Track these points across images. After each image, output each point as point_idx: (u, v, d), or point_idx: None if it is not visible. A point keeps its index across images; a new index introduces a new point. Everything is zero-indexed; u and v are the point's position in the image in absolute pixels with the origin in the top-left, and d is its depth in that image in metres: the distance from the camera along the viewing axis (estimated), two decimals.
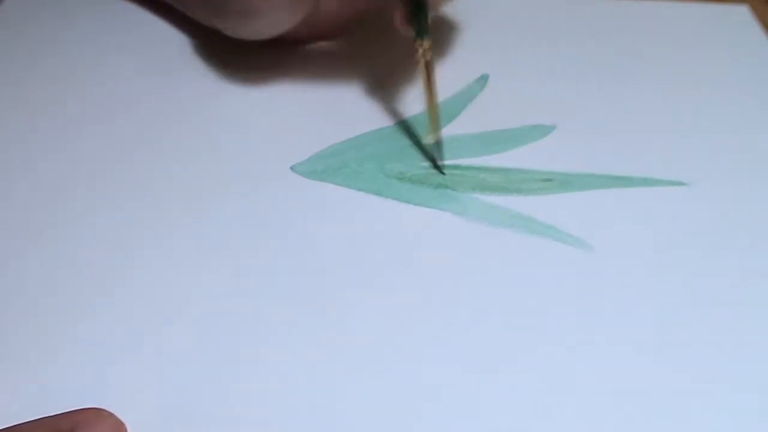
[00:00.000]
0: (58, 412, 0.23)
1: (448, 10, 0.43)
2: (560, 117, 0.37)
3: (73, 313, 0.28)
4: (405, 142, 0.35)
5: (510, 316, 0.28)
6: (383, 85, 0.39)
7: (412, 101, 0.38)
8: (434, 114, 0.34)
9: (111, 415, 0.24)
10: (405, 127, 0.36)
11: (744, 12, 0.46)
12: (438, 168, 0.34)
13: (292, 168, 0.34)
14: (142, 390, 0.26)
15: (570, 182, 0.34)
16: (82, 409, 0.23)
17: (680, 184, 0.34)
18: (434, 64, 0.34)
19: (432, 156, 0.35)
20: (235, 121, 0.36)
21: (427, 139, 0.35)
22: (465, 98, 0.38)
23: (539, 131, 0.36)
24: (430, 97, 0.34)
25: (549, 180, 0.34)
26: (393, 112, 0.37)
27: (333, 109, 0.37)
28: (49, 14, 0.43)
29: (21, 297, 0.28)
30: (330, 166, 0.34)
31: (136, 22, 0.42)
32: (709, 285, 0.30)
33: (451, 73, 0.39)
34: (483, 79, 0.39)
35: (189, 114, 0.37)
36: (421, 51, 0.34)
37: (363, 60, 0.40)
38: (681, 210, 0.33)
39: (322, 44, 0.41)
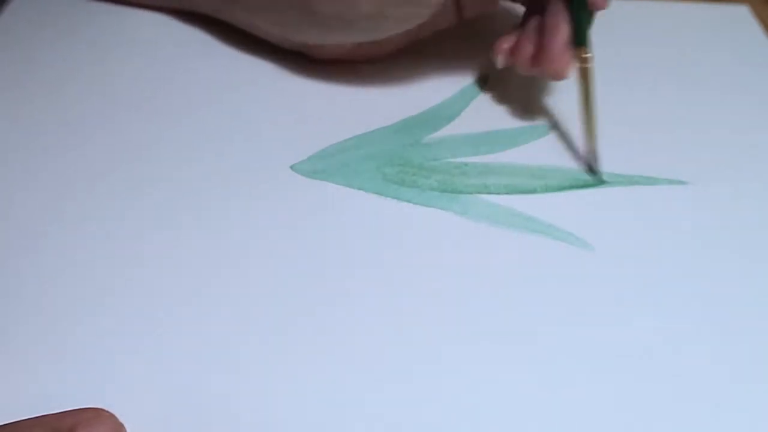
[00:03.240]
0: (59, 411, 0.23)
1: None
2: (561, 116, 0.37)
3: (73, 313, 0.28)
4: (405, 141, 0.35)
5: (511, 315, 0.28)
6: (384, 84, 0.39)
7: (413, 101, 0.38)
8: (592, 124, 0.34)
9: (111, 415, 0.23)
10: (405, 126, 0.36)
11: (744, 12, 0.46)
12: (597, 175, 0.34)
13: (292, 168, 0.34)
14: (142, 390, 0.26)
15: (570, 181, 0.34)
16: (82, 409, 0.23)
17: (680, 182, 0.34)
18: (594, 74, 0.34)
19: (590, 165, 0.34)
20: (235, 121, 0.36)
21: (586, 153, 0.34)
22: (465, 98, 0.38)
23: (540, 130, 0.36)
24: (589, 107, 0.34)
25: (549, 179, 0.34)
26: (393, 111, 0.37)
27: (333, 109, 0.37)
28: (52, 18, 0.43)
29: (22, 297, 0.28)
30: (330, 165, 0.34)
31: (138, 26, 0.42)
32: (709, 283, 0.30)
33: (450, 73, 0.39)
34: (483, 79, 0.39)
35: (189, 114, 0.37)
36: (582, 60, 0.33)
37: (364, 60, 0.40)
38: (681, 208, 0.33)
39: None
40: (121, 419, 0.24)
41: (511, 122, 0.37)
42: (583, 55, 0.33)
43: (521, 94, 0.39)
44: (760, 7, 0.47)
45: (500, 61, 0.36)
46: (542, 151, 0.35)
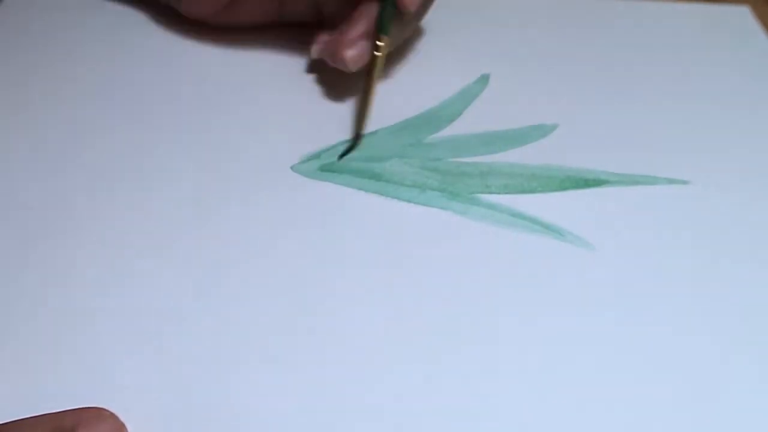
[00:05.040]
0: (59, 411, 0.23)
1: (447, 11, 0.43)
2: (562, 116, 0.37)
3: (74, 313, 0.28)
4: (406, 141, 0.35)
5: (511, 315, 0.28)
6: (384, 84, 0.39)
7: (413, 101, 0.38)
8: (364, 112, 0.36)
9: (112, 415, 0.23)
10: (406, 127, 0.36)
11: (744, 12, 0.46)
12: (343, 155, 0.35)
13: (292, 168, 0.34)
14: (142, 390, 0.26)
15: (571, 181, 0.34)
16: (83, 408, 0.23)
17: (682, 182, 0.34)
18: (383, 65, 0.36)
19: (349, 145, 0.35)
20: (235, 121, 0.36)
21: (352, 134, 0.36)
22: (466, 98, 0.38)
23: (541, 130, 0.36)
24: (367, 94, 0.35)
25: (550, 179, 0.34)
26: (394, 112, 0.37)
27: (333, 109, 0.37)
28: (48, 13, 0.43)
29: (22, 297, 0.28)
30: (330, 166, 0.34)
31: (136, 24, 0.42)
32: (711, 283, 0.30)
33: (451, 73, 0.40)
34: (484, 79, 0.39)
35: (189, 114, 0.37)
36: (376, 47, 0.35)
37: None
38: (681, 208, 0.33)
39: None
40: (122, 419, 0.24)
41: (511, 122, 0.37)
42: (378, 42, 0.35)
43: (522, 94, 0.39)
44: (760, 7, 0.47)
45: (313, 51, 0.37)
46: (542, 151, 0.35)
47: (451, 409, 0.25)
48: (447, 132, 0.36)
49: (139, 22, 0.42)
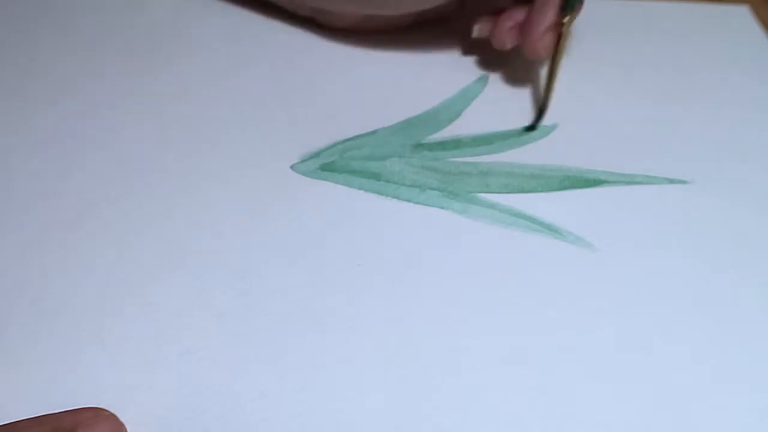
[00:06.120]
0: (59, 411, 0.23)
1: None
2: (562, 116, 0.37)
3: (73, 313, 0.28)
4: (406, 141, 0.35)
5: (511, 315, 0.28)
6: (384, 84, 0.39)
7: (414, 101, 0.38)
8: (552, 83, 0.37)
9: (111, 415, 0.23)
10: (406, 126, 0.36)
11: (744, 12, 0.46)
12: (532, 127, 0.36)
13: (292, 168, 0.34)
14: (142, 390, 0.26)
15: (571, 181, 0.34)
16: (82, 409, 0.23)
17: (680, 182, 0.34)
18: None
19: (536, 117, 0.37)
20: (235, 120, 0.36)
21: (538, 105, 0.37)
22: (466, 98, 0.38)
23: (540, 130, 0.36)
24: (554, 66, 0.36)
25: (550, 179, 0.34)
26: (394, 111, 0.37)
27: (333, 109, 0.37)
28: (48, 9, 0.43)
29: (22, 296, 0.28)
30: (330, 165, 0.34)
31: (132, 21, 0.42)
32: (711, 283, 0.30)
33: (451, 73, 0.39)
34: (484, 79, 0.39)
35: (189, 113, 0.37)
36: (562, 24, 0.36)
37: (365, 60, 0.40)
38: (681, 208, 0.33)
39: (325, 43, 0.41)
40: (121, 419, 0.24)
41: (511, 122, 0.37)
42: (563, 21, 0.36)
43: (522, 94, 0.39)
44: (760, 7, 0.47)
45: (476, 30, 0.38)
46: (542, 151, 0.35)
47: (449, 409, 0.25)
48: (447, 132, 0.36)
49: (137, 21, 0.42)
